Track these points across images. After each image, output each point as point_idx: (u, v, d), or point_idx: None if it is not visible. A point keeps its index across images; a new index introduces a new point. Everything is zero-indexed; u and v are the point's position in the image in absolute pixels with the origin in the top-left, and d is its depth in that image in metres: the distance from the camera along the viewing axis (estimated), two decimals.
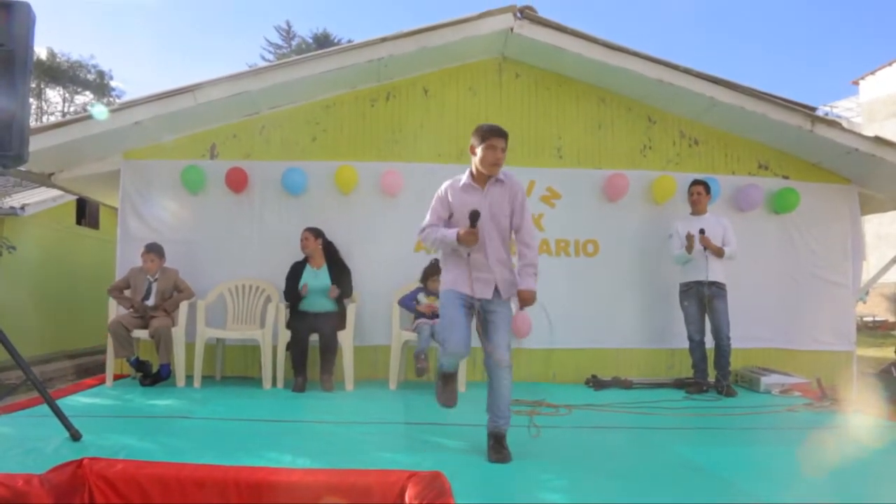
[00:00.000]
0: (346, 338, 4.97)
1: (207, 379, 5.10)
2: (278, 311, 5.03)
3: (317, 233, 5.21)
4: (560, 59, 5.55)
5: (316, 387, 4.85)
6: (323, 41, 32.09)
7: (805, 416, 4.29)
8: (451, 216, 3.14)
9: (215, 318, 5.29)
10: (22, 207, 9.05)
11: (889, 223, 17.76)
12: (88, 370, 8.35)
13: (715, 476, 2.82)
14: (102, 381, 5.03)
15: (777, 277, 5.86)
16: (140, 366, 4.99)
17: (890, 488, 2.80)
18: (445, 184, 3.21)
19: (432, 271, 4.97)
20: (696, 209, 5.26)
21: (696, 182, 5.28)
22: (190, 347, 4.98)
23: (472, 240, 2.97)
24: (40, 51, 27.55)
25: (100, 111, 5.06)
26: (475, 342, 3.16)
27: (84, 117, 5.09)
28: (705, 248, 4.98)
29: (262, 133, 5.68)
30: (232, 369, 5.51)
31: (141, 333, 4.91)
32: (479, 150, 3.04)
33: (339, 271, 5.18)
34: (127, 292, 5.13)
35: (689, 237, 4.99)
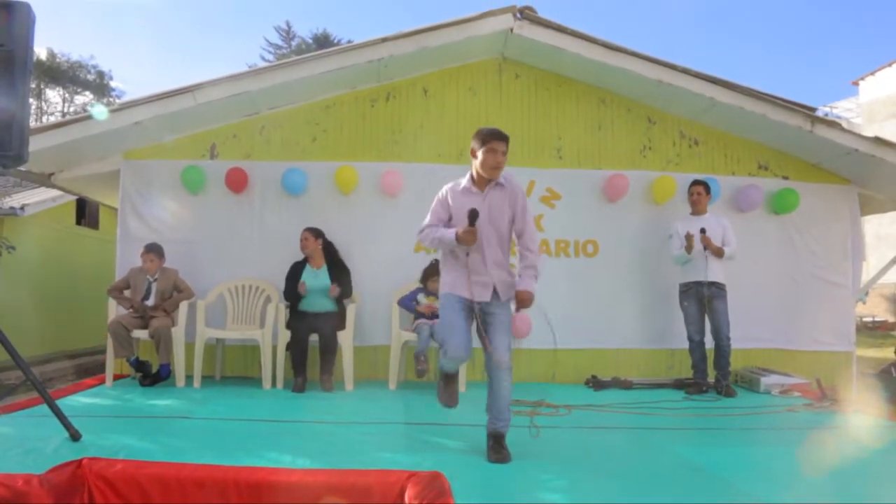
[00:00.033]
0: (345, 338, 4.97)
1: (207, 379, 5.09)
2: (278, 311, 5.03)
3: (317, 233, 5.21)
4: (560, 60, 5.55)
5: (316, 387, 4.85)
6: (323, 41, 32.10)
7: (805, 417, 4.29)
8: (450, 219, 3.14)
9: (215, 318, 5.29)
10: (22, 207, 9.05)
11: (889, 224, 17.77)
12: (88, 370, 8.35)
13: (715, 476, 2.82)
14: (102, 382, 5.03)
15: (777, 278, 5.86)
16: (140, 366, 4.99)
17: (890, 488, 2.80)
18: (446, 187, 3.21)
19: (432, 272, 4.97)
20: (696, 209, 5.26)
21: (696, 182, 5.28)
22: (190, 347, 4.98)
23: (470, 239, 2.97)
24: (40, 51, 27.58)
25: (100, 111, 5.06)
26: (475, 343, 3.17)
27: (84, 117, 5.09)
28: (705, 248, 4.98)
29: (262, 133, 5.69)
30: (232, 369, 5.51)
31: (141, 333, 4.91)
32: (479, 154, 3.04)
33: (339, 271, 5.18)
34: (127, 292, 5.13)
35: (689, 237, 4.99)
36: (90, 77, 30.48)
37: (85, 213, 11.22)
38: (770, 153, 5.97)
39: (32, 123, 3.98)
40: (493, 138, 3.01)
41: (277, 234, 5.52)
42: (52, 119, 27.35)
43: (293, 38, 34.43)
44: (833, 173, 5.97)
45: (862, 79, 21.47)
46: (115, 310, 5.09)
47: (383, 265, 5.51)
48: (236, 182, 5.48)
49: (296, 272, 5.16)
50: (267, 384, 4.91)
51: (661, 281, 5.65)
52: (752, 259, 5.64)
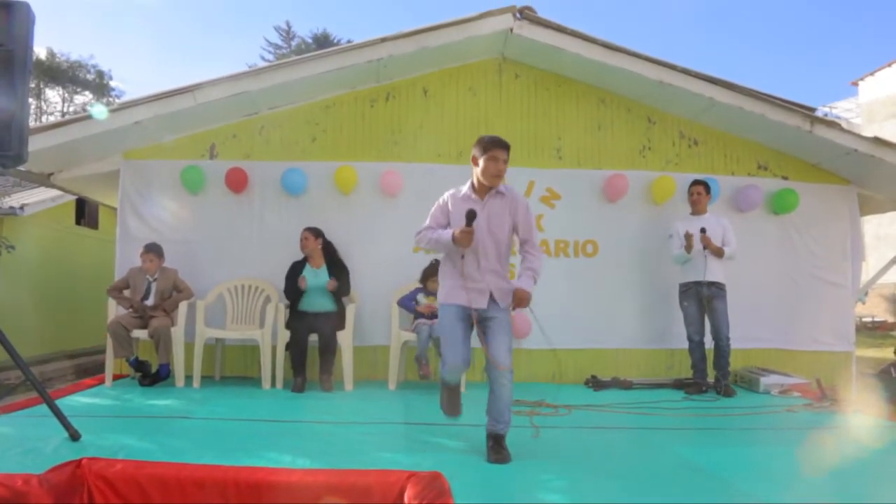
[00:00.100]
0: (345, 338, 4.97)
1: (207, 379, 5.09)
2: (278, 311, 5.03)
3: (317, 233, 5.21)
4: (559, 60, 5.55)
5: (315, 387, 4.85)
6: (323, 41, 32.12)
7: (804, 417, 4.30)
8: (448, 224, 3.14)
9: (215, 318, 5.28)
10: (21, 207, 9.05)
11: (888, 224, 17.77)
12: (88, 370, 8.35)
13: (714, 476, 2.82)
14: (102, 381, 5.03)
15: (776, 278, 5.86)
16: (139, 366, 4.99)
17: (890, 488, 2.80)
18: (447, 193, 3.22)
19: (432, 272, 4.97)
20: (696, 209, 5.26)
21: (696, 182, 5.29)
22: (189, 347, 4.97)
23: (466, 240, 2.96)
24: (40, 51, 27.61)
25: (99, 111, 5.06)
26: (475, 343, 3.17)
27: (83, 117, 5.08)
28: (705, 248, 4.98)
29: (262, 133, 5.69)
30: (231, 369, 5.51)
31: (140, 333, 4.90)
32: (481, 162, 3.04)
33: (338, 271, 5.18)
34: (126, 292, 5.13)
35: (688, 236, 4.99)
36: (90, 77, 30.51)
37: (84, 212, 11.22)
38: (769, 153, 5.97)
39: (32, 123, 3.97)
40: (494, 146, 3.01)
41: (277, 234, 5.52)
42: (52, 119, 27.35)
43: (293, 38, 34.47)
44: (832, 173, 5.97)
45: (861, 79, 21.48)
46: (114, 310, 5.09)
47: (383, 265, 5.51)
48: (236, 182, 5.48)
49: (296, 272, 5.16)
50: (266, 384, 4.91)
51: (661, 281, 5.65)
52: (752, 259, 5.65)
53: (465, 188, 3.15)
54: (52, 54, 28.88)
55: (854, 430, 3.97)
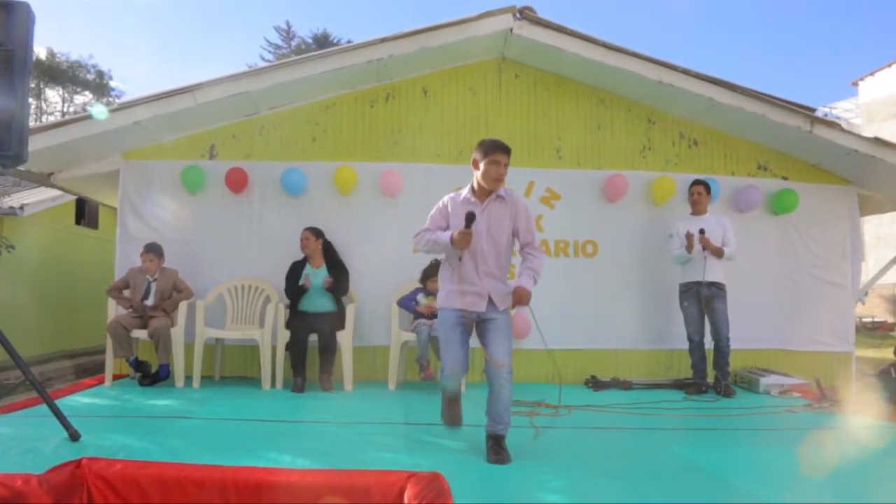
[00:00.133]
0: (345, 338, 4.96)
1: (206, 379, 5.09)
2: (277, 311, 5.03)
3: (317, 233, 5.21)
4: (559, 60, 5.55)
5: (315, 387, 4.85)
6: (323, 41, 32.11)
7: (804, 417, 4.29)
8: (447, 228, 3.14)
9: (214, 318, 5.28)
10: (21, 207, 9.05)
11: (888, 224, 17.78)
12: (87, 370, 8.35)
13: (714, 477, 2.82)
14: (101, 381, 5.03)
15: (776, 278, 5.86)
16: (139, 366, 4.99)
17: (890, 488, 2.80)
18: (447, 196, 3.22)
19: (431, 272, 4.97)
20: (697, 209, 5.26)
21: (696, 182, 5.29)
22: (189, 347, 4.97)
23: (465, 242, 2.96)
24: (39, 51, 27.61)
25: (99, 111, 5.06)
26: (474, 343, 3.18)
27: (83, 117, 5.08)
28: (704, 249, 4.98)
29: (262, 133, 5.69)
30: (231, 369, 5.51)
31: (140, 333, 4.90)
32: (481, 165, 3.04)
33: (338, 271, 5.18)
34: (126, 292, 5.13)
35: (689, 236, 4.99)
36: (90, 77, 30.51)
37: (84, 212, 11.22)
38: (769, 153, 5.98)
39: (32, 123, 3.97)
40: (495, 150, 3.01)
41: (277, 234, 5.52)
42: (52, 119, 27.35)
43: (293, 38, 34.45)
44: (832, 174, 5.98)
45: (861, 79, 21.50)
46: (114, 310, 5.09)
47: (383, 265, 5.51)
48: (236, 182, 5.48)
49: (296, 272, 5.16)
50: (266, 384, 4.91)
51: (661, 281, 5.65)
52: (752, 259, 5.64)
53: (465, 191, 3.15)
54: (52, 54, 28.89)
55: (854, 430, 3.97)
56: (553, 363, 5.43)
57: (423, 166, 5.59)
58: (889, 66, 20.56)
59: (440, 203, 3.21)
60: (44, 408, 3.15)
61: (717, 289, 5.04)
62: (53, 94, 30.65)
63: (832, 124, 5.59)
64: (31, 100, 4.18)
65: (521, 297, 3.03)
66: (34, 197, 9.66)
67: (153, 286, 5.10)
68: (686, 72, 5.34)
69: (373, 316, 5.45)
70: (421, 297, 5.11)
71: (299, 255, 5.25)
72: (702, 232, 4.97)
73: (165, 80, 61.36)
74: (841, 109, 24.64)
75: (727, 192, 5.82)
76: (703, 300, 5.05)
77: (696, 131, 5.95)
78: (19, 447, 2.93)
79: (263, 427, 3.63)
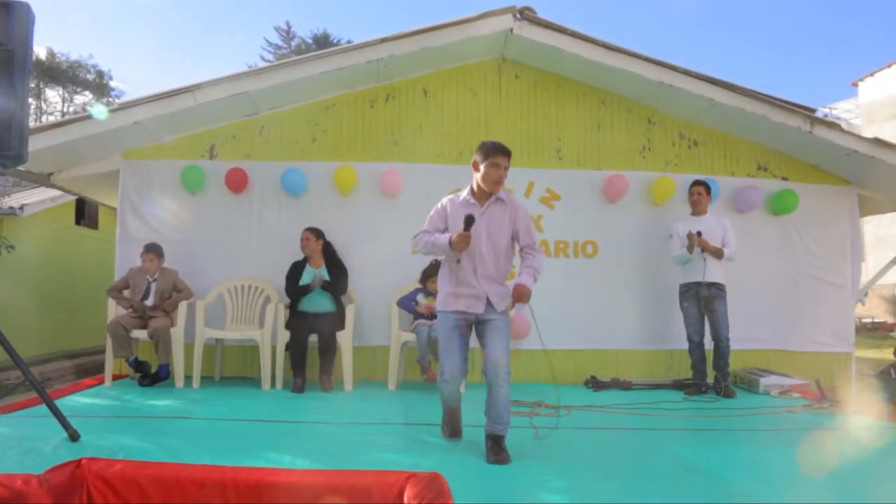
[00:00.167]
0: (345, 338, 4.96)
1: (206, 379, 5.09)
2: (277, 311, 5.03)
3: (318, 233, 5.22)
4: (559, 60, 5.55)
5: (315, 387, 4.85)
6: (323, 42, 32.12)
7: (804, 418, 4.30)
8: (446, 229, 3.14)
9: (214, 318, 5.28)
10: (21, 207, 9.05)
11: (888, 224, 17.79)
12: (87, 370, 8.35)
13: (714, 477, 2.82)
14: (101, 382, 5.03)
15: (776, 278, 5.86)
16: (139, 366, 4.99)
17: (890, 489, 2.80)
18: (446, 198, 3.22)
19: (431, 272, 4.97)
20: (697, 209, 5.26)
21: (696, 182, 5.29)
22: (189, 348, 4.97)
23: (463, 244, 2.96)
24: (39, 51, 27.62)
25: (99, 111, 5.06)
26: (473, 343, 3.18)
27: (83, 117, 5.08)
28: (703, 251, 4.98)
29: (262, 133, 5.69)
30: (231, 370, 5.51)
31: (140, 334, 4.90)
32: (482, 167, 3.05)
33: (337, 271, 5.18)
34: (126, 292, 5.13)
35: (690, 236, 4.99)
36: (90, 77, 30.52)
37: (84, 213, 11.22)
38: (769, 154, 5.98)
39: (32, 123, 3.97)
40: (495, 152, 3.02)
41: (277, 235, 5.52)
42: (52, 119, 27.36)
43: (293, 38, 34.46)
44: (832, 174, 5.98)
45: (861, 80, 21.50)
46: (114, 310, 5.09)
47: (383, 265, 5.51)
48: (236, 182, 5.48)
49: (296, 272, 5.16)
50: (266, 384, 4.91)
51: (661, 281, 5.65)
52: (752, 260, 5.64)
53: (465, 193, 3.16)
54: (52, 54, 28.91)
55: (854, 430, 3.97)
56: (549, 364, 5.43)
57: (423, 167, 5.59)
58: (889, 66, 20.56)
59: (439, 205, 3.21)
60: (43, 408, 3.15)
61: (717, 289, 5.04)
62: (53, 94, 30.69)
63: (832, 125, 5.59)
64: (31, 100, 4.19)
65: (521, 295, 3.03)
66: (34, 197, 9.66)
67: (153, 286, 5.10)
68: (686, 72, 5.34)
69: (373, 316, 5.45)
70: (421, 298, 5.11)
71: (299, 256, 5.25)
72: (698, 234, 4.97)
73: (165, 80, 61.44)
74: (841, 110, 24.65)
75: (727, 192, 5.82)
76: (703, 301, 5.05)
77: (696, 132, 5.95)
78: (19, 447, 2.93)
79: (263, 427, 3.63)
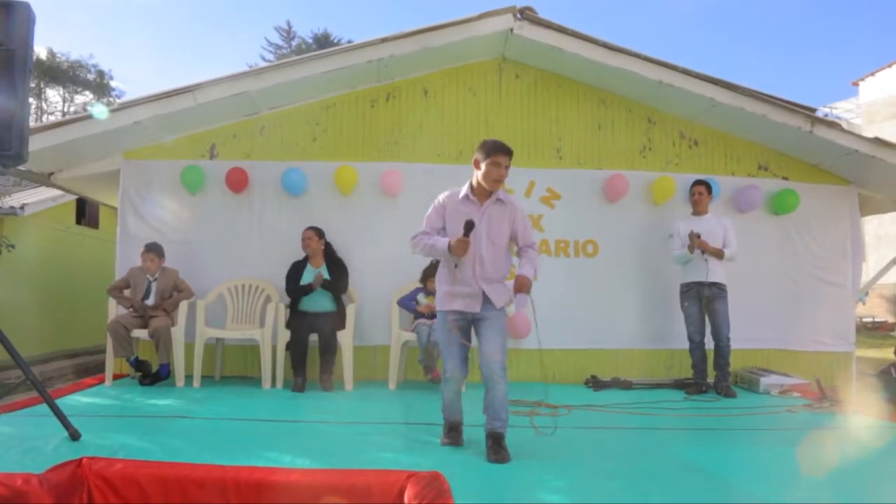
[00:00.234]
0: (345, 338, 4.97)
1: (207, 379, 5.09)
2: (278, 310, 5.03)
3: (320, 233, 5.22)
4: (560, 60, 5.55)
5: (315, 387, 4.85)
6: (323, 41, 32.11)
7: (804, 417, 4.29)
8: (443, 228, 3.14)
9: (215, 317, 5.28)
10: (21, 207, 9.05)
11: (888, 224, 17.77)
12: (88, 370, 8.35)
13: (714, 476, 2.82)
14: (102, 381, 5.03)
15: (776, 278, 5.86)
16: (139, 365, 4.99)
17: (890, 488, 2.80)
18: (443, 195, 3.21)
19: (432, 271, 4.97)
20: (698, 209, 5.26)
21: (697, 182, 5.29)
22: (189, 347, 4.98)
23: (462, 249, 2.96)
24: (40, 50, 27.63)
25: (99, 111, 5.07)
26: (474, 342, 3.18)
27: (84, 117, 5.09)
28: (703, 252, 4.98)
29: (262, 133, 5.69)
30: (231, 369, 5.51)
31: (140, 333, 4.91)
32: (483, 165, 3.05)
33: (337, 270, 5.18)
34: (126, 292, 5.13)
35: (691, 236, 5.00)
36: (90, 76, 30.53)
37: (85, 212, 11.22)
38: (770, 154, 5.98)
39: (32, 123, 3.98)
40: (497, 151, 3.02)
41: (277, 234, 5.53)
42: (52, 118, 27.37)
43: (293, 37, 34.45)
44: (833, 174, 5.98)
45: (862, 79, 21.46)
46: (114, 309, 5.09)
47: (383, 265, 5.51)
48: (236, 182, 5.49)
49: (296, 271, 5.16)
50: (266, 384, 4.91)
51: (661, 281, 5.65)
52: (752, 259, 5.64)
53: (465, 189, 3.15)
54: (52, 54, 28.92)
55: (854, 430, 3.97)
56: (542, 363, 5.45)
57: (423, 166, 5.59)
58: (889, 66, 20.53)
59: (436, 202, 3.20)
60: (44, 407, 3.15)
61: (719, 289, 5.04)
62: (54, 94, 30.71)
63: (832, 124, 5.59)
64: (31, 100, 4.19)
65: (522, 285, 3.05)
66: (34, 197, 9.66)
67: (154, 286, 5.10)
68: (686, 72, 5.34)
69: (373, 316, 5.45)
70: (421, 297, 5.11)
71: (300, 255, 5.25)
72: (698, 235, 4.97)
73: (165, 80, 61.44)
74: (841, 109, 24.62)
75: (727, 192, 5.82)
76: (704, 300, 5.05)
77: (696, 131, 5.95)
78: (20, 446, 2.93)
79: (264, 427, 3.63)
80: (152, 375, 4.96)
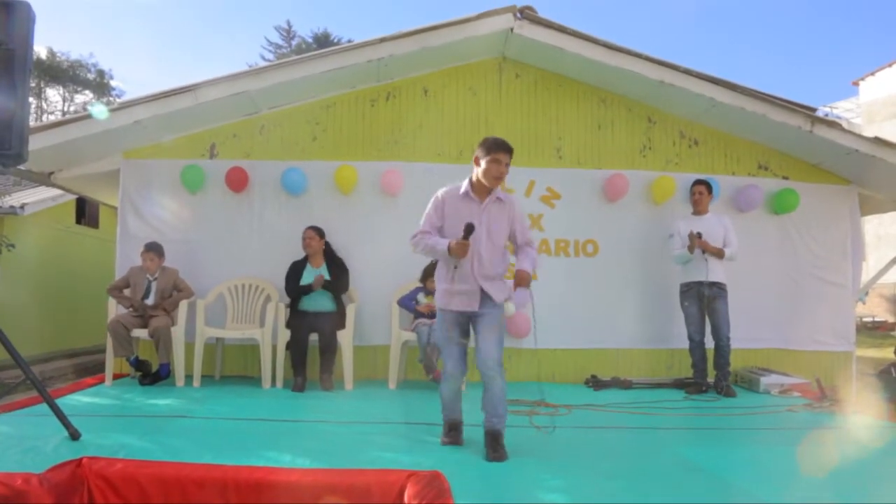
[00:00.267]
0: (345, 337, 4.97)
1: (207, 378, 5.09)
2: (278, 310, 5.03)
3: (321, 232, 5.22)
4: (560, 60, 5.55)
5: (315, 386, 4.85)
6: (323, 41, 32.12)
7: (804, 417, 4.29)
8: (442, 225, 3.15)
9: (215, 317, 5.28)
10: (21, 206, 9.04)
11: (889, 224, 17.76)
12: (88, 369, 8.35)
13: (714, 476, 2.82)
14: (102, 381, 5.03)
15: (777, 278, 5.86)
16: (139, 365, 4.99)
17: (890, 488, 2.80)
18: (443, 190, 3.21)
19: (432, 271, 4.94)
20: (698, 209, 5.26)
21: (698, 182, 5.29)
22: (189, 347, 4.98)
23: (462, 252, 2.98)
24: (40, 50, 27.64)
25: (99, 110, 5.06)
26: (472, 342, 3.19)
27: (84, 116, 5.08)
28: (704, 252, 4.98)
29: (262, 133, 5.69)
30: (231, 369, 5.51)
31: (140, 333, 4.90)
32: (483, 163, 3.06)
33: (338, 270, 5.18)
34: (126, 291, 5.13)
35: (692, 236, 4.99)
36: (90, 76, 30.54)
37: (85, 212, 11.22)
38: (770, 153, 5.97)
39: (32, 122, 3.98)
40: (497, 149, 3.03)
41: (277, 234, 5.53)
42: (52, 118, 27.36)
43: (293, 37, 34.46)
44: (833, 173, 5.97)
45: (862, 79, 21.45)
46: (114, 309, 5.09)
47: (383, 265, 5.51)
48: (236, 181, 5.48)
49: (296, 271, 5.16)
50: (266, 383, 4.91)
51: (661, 281, 5.65)
52: (752, 259, 5.64)
53: (465, 185, 3.16)
54: (52, 53, 28.94)
55: (854, 430, 3.97)
56: (549, 363, 5.45)
57: (423, 166, 5.59)
58: (890, 65, 20.51)
59: (436, 197, 3.20)
60: (44, 407, 3.15)
61: (719, 289, 5.05)
62: (54, 94, 30.73)
63: (833, 124, 5.59)
64: (31, 99, 4.18)
65: (521, 279, 3.06)
66: (34, 196, 9.66)
67: (153, 285, 5.10)
68: (687, 72, 5.34)
69: (373, 315, 5.45)
70: (421, 297, 5.11)
71: (300, 255, 5.25)
72: (699, 235, 4.97)
73: (165, 79, 61.35)
74: (842, 109, 24.59)
75: (728, 191, 5.82)
76: (704, 300, 5.05)
77: (696, 131, 5.95)
78: (20, 446, 2.93)
79: (264, 426, 3.63)
80: (152, 375, 4.96)
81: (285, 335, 4.93)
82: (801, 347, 5.82)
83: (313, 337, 4.88)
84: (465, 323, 3.16)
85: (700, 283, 5.05)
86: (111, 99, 28.46)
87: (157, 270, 5.13)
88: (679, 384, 5.29)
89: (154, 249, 5.11)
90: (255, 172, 5.56)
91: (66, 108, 30.06)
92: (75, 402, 4.21)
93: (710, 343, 5.10)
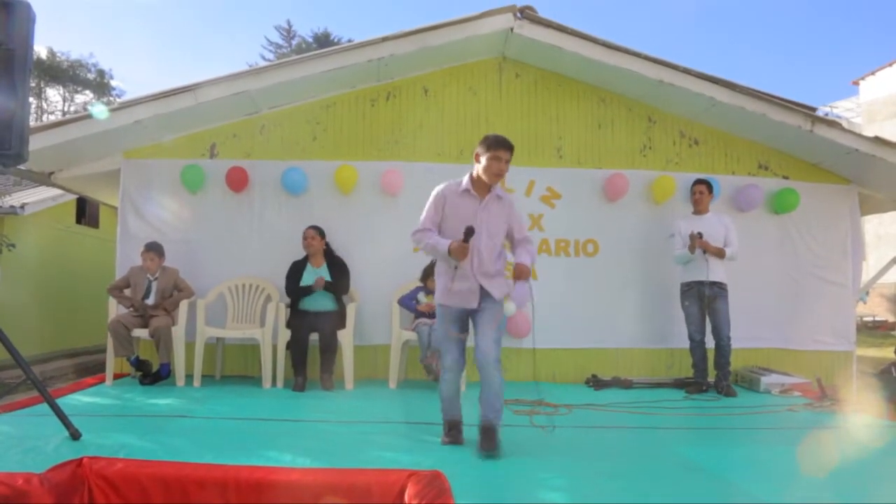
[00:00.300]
0: (345, 337, 4.97)
1: (207, 378, 5.09)
2: (278, 310, 5.03)
3: (321, 232, 5.22)
4: (560, 59, 5.55)
5: (316, 386, 4.85)
6: (323, 41, 32.12)
7: (805, 416, 4.30)
8: (441, 222, 3.17)
9: (215, 317, 5.28)
10: (22, 206, 9.04)
11: (889, 223, 17.75)
12: (88, 369, 8.35)
13: (715, 476, 2.82)
14: (102, 381, 5.03)
15: (777, 277, 5.86)
16: (140, 365, 4.99)
17: (890, 488, 2.80)
18: (443, 186, 3.22)
19: (432, 270, 4.95)
20: (699, 208, 5.26)
21: (698, 181, 5.29)
22: (190, 346, 4.98)
23: (461, 255, 3.01)
24: (40, 50, 27.64)
25: (100, 110, 5.06)
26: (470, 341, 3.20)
27: (84, 116, 5.09)
28: (705, 252, 4.98)
29: (262, 132, 5.69)
30: (232, 368, 5.51)
31: (141, 332, 4.91)
32: (483, 159, 3.07)
33: (339, 270, 5.18)
34: (127, 291, 5.13)
35: (692, 236, 4.99)
36: (90, 76, 30.56)
37: (85, 212, 11.22)
38: (770, 153, 5.97)
39: (32, 122, 3.98)
40: (498, 146, 3.05)
41: (277, 234, 5.53)
42: (53, 118, 27.36)
43: (294, 37, 34.47)
44: (833, 173, 5.97)
45: (862, 79, 21.44)
46: (115, 309, 5.09)
47: (383, 264, 5.51)
48: (236, 181, 5.48)
49: (296, 271, 5.16)
50: (267, 383, 4.91)
51: (662, 281, 5.65)
52: (753, 259, 5.64)
53: (465, 182, 3.17)
54: (52, 53, 28.95)
55: (854, 429, 3.97)
56: (551, 363, 5.45)
57: (423, 165, 5.59)
58: (890, 65, 20.50)
59: (436, 193, 3.21)
60: (45, 407, 3.15)
61: (720, 288, 5.05)
62: (54, 94, 30.74)
63: (833, 123, 5.59)
64: (31, 99, 4.18)
65: (521, 273, 3.08)
66: (35, 196, 9.66)
67: (154, 285, 5.10)
68: (686, 71, 5.34)
69: (373, 315, 5.45)
70: (422, 296, 5.11)
71: (300, 255, 5.25)
72: (700, 235, 4.97)
73: (166, 79, 61.39)
74: (842, 109, 24.59)
75: (728, 191, 5.82)
76: (705, 300, 5.05)
77: (696, 130, 5.94)
78: (20, 446, 2.94)
79: (264, 426, 3.64)
80: (153, 375, 4.96)
81: (286, 335, 4.93)
82: (801, 347, 5.82)
83: (314, 336, 4.88)
84: (465, 318, 3.19)
85: (700, 283, 5.05)
86: (111, 99, 28.48)
87: (158, 270, 5.13)
88: (679, 384, 5.29)
89: (154, 249, 5.11)
90: (256, 172, 5.56)
91: (66, 108, 30.07)
92: (76, 401, 4.21)
93: (710, 343, 5.10)
